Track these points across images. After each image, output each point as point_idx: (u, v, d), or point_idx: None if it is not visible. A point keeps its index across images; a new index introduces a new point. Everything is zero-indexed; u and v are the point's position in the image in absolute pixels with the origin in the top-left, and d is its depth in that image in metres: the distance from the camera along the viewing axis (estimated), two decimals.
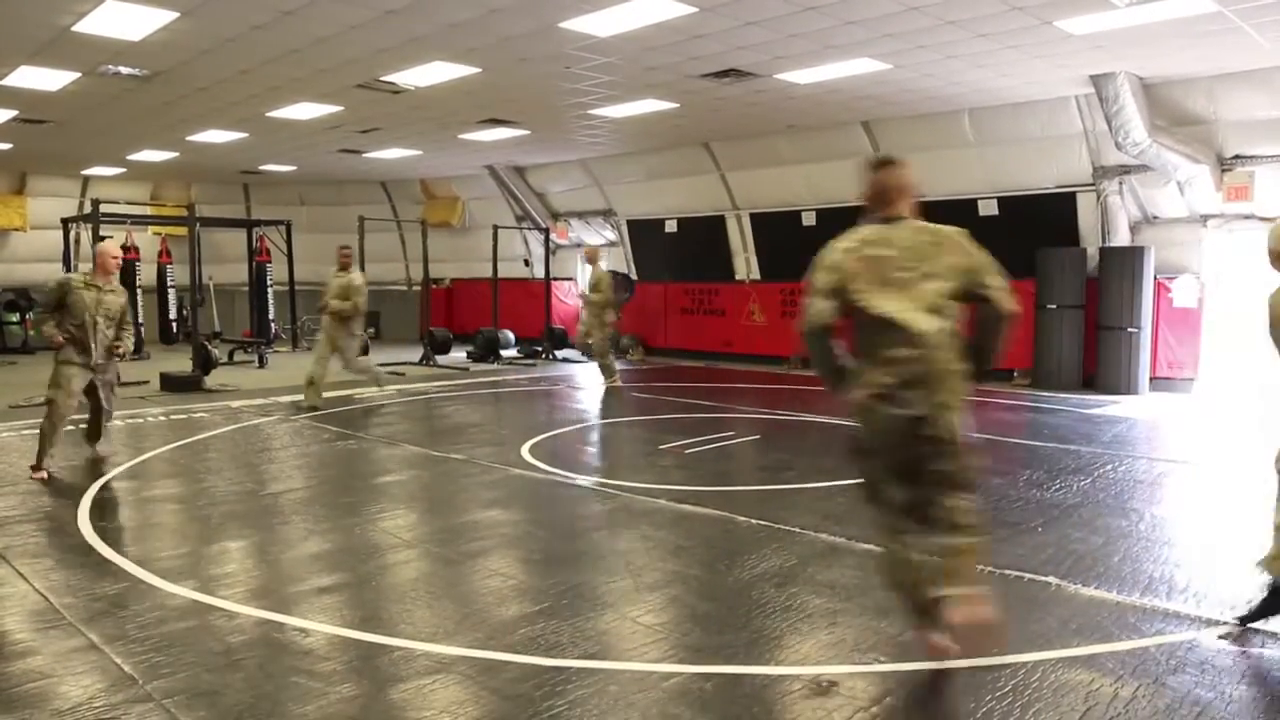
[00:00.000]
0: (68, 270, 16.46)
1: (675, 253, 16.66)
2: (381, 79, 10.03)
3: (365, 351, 14.45)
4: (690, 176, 15.44)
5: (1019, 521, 5.41)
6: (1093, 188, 11.48)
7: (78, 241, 16.05)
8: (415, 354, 15.48)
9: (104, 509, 5.69)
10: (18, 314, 17.42)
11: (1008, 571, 4.46)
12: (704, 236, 15.91)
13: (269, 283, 18.05)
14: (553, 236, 17.96)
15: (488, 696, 3.14)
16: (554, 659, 3.43)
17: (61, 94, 10.56)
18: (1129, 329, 11.14)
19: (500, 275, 16.81)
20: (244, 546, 4.99)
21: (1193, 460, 7.42)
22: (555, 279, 17.84)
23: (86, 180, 18.45)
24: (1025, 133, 11.57)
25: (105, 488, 6.23)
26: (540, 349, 16.53)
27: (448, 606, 4.06)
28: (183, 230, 15.66)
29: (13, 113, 11.82)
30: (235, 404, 10.27)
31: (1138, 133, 9.85)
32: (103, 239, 13.27)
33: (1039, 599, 4.11)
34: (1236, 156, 10.33)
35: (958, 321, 3.19)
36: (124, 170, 17.45)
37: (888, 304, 3.13)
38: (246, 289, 18.51)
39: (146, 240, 18.19)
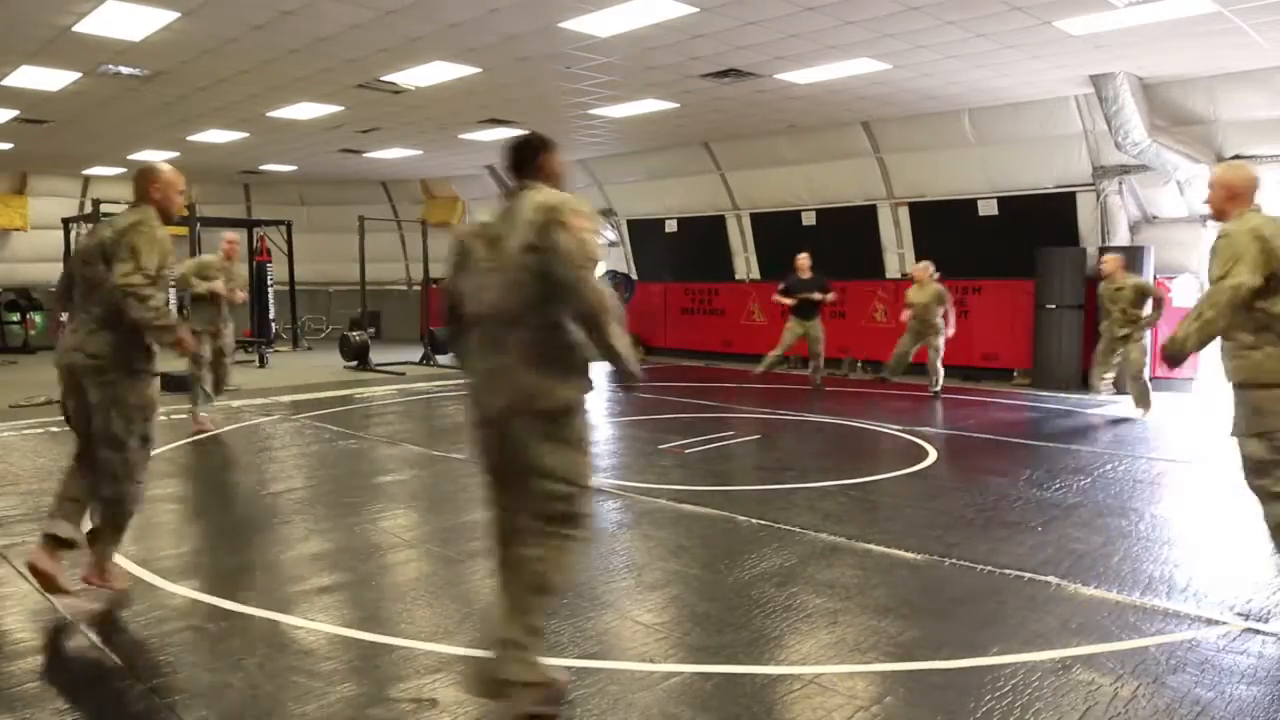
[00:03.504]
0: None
1: (675, 253, 16.68)
2: (381, 79, 10.04)
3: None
4: (690, 176, 15.45)
5: (1019, 521, 5.41)
6: (1092, 187, 11.48)
7: (78, 241, 16.06)
8: (415, 354, 15.48)
9: None
10: (19, 314, 17.43)
11: (1007, 571, 4.46)
12: (704, 236, 15.92)
13: (269, 282, 18.05)
14: None
15: None
16: (554, 658, 3.42)
17: (62, 94, 10.58)
18: None
19: None
20: (244, 546, 4.99)
21: (1193, 460, 7.42)
22: None
23: (87, 180, 18.47)
24: (1025, 133, 11.58)
25: None
26: None
27: (448, 606, 4.06)
28: (183, 230, 15.65)
29: (13, 113, 11.83)
30: (236, 404, 10.27)
31: (1137, 133, 9.85)
32: None
33: (1039, 599, 4.11)
34: (1236, 156, 10.33)
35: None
36: (125, 170, 17.45)
37: None
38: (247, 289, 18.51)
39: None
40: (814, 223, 14.42)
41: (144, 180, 3.98)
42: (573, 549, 2.90)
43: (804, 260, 11.53)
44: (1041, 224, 11.99)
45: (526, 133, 3.04)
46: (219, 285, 8.39)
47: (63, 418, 4.08)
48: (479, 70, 9.66)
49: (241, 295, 8.87)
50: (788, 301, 11.44)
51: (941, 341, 10.75)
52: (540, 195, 2.80)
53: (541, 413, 2.78)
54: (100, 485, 3.92)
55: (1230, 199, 3.80)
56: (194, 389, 8.43)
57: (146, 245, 3.77)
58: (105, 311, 3.83)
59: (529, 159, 2.94)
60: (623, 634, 3.73)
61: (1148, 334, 9.35)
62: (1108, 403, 10.29)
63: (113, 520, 3.95)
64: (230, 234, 8.99)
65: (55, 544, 3.88)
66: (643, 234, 17.16)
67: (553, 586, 2.87)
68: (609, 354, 2.80)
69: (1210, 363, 11.07)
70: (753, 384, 12.23)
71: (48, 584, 3.89)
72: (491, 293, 2.79)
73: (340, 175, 18.82)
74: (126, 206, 4.04)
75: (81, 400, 3.91)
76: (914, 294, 10.83)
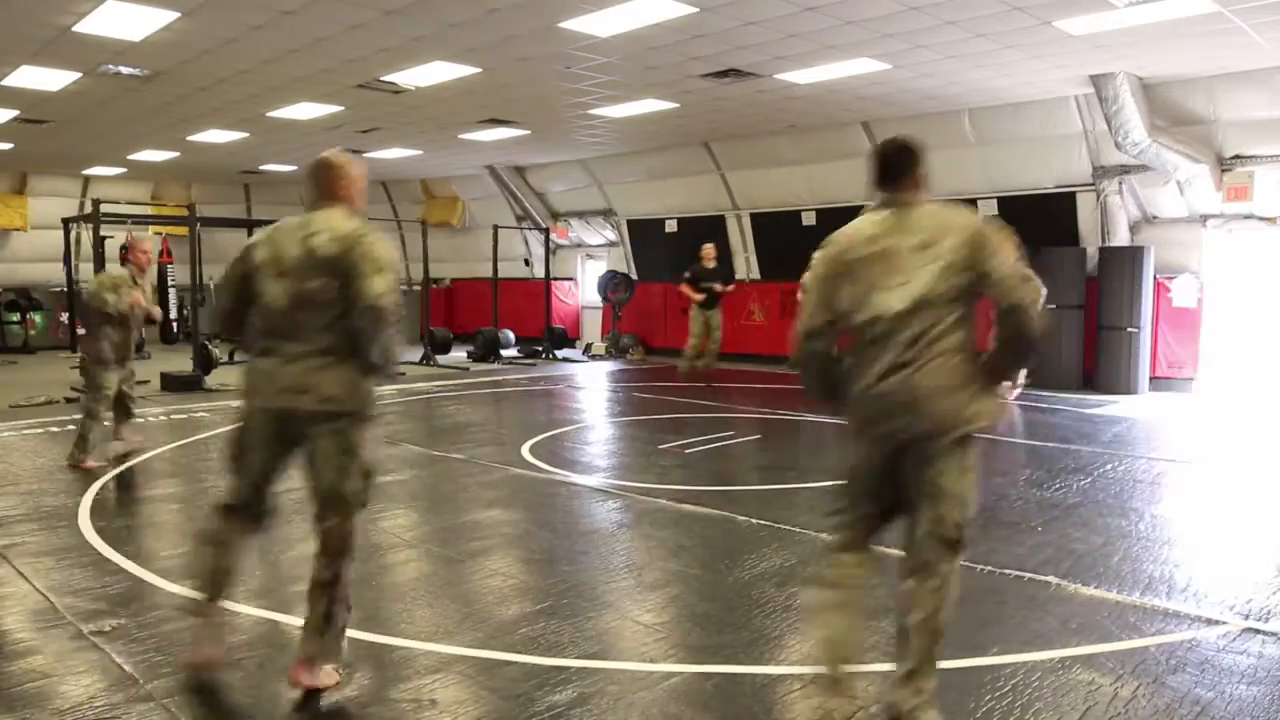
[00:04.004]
0: (68, 270, 16.48)
1: (675, 253, 16.67)
2: (382, 79, 10.03)
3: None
4: (690, 176, 15.44)
5: (1019, 521, 5.41)
6: (1092, 187, 11.48)
7: (78, 241, 16.05)
8: (415, 354, 15.48)
9: (104, 508, 5.69)
10: (18, 314, 17.43)
11: (1008, 571, 4.46)
12: (704, 236, 15.88)
13: None
14: (553, 236, 17.97)
15: (488, 696, 3.14)
16: (554, 658, 3.43)
17: (62, 94, 10.57)
18: (1129, 329, 11.15)
19: (500, 275, 16.81)
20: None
21: (1193, 460, 7.42)
22: (555, 279, 17.84)
23: (87, 180, 18.46)
24: (1025, 133, 11.57)
25: (105, 487, 6.24)
26: (540, 349, 16.54)
27: (448, 606, 4.06)
28: (183, 230, 15.65)
29: (13, 113, 11.82)
30: (236, 403, 10.26)
31: (1137, 133, 9.85)
32: (104, 239, 13.33)
33: (1039, 599, 4.11)
34: (1236, 156, 10.33)
35: None
36: (125, 170, 17.46)
37: None
38: None
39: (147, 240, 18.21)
40: (814, 223, 14.40)
41: (331, 176, 3.23)
42: (958, 579, 2.81)
43: (709, 250, 12.54)
44: (1041, 224, 11.96)
45: (900, 138, 2.98)
46: (140, 298, 6.91)
47: (234, 466, 3.32)
48: (479, 70, 9.66)
49: (158, 311, 7.52)
50: (698, 297, 12.17)
51: None
52: (948, 212, 2.81)
53: (961, 436, 2.72)
54: (320, 562, 3.15)
55: None
56: (87, 426, 6.85)
57: (390, 256, 3.08)
58: (338, 340, 3.05)
59: (907, 167, 2.90)
60: (623, 634, 3.73)
61: None
62: (1107, 402, 10.29)
63: (329, 609, 3.13)
64: (142, 239, 7.35)
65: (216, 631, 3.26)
66: (643, 234, 17.15)
67: (947, 616, 2.77)
68: (1015, 371, 2.85)
69: (1210, 364, 11.08)
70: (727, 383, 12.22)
71: (210, 666, 3.26)
72: (901, 306, 2.70)
73: None
74: (314, 209, 3.21)
75: (285, 453, 3.22)
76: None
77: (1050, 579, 4.34)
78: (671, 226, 16.50)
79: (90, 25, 7.88)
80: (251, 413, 3.24)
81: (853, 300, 2.79)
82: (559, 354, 16.53)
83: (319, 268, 3.04)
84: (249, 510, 3.34)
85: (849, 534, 2.91)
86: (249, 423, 3.25)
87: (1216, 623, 3.81)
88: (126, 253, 7.23)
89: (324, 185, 3.23)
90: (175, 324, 18.45)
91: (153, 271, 17.59)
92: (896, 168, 2.90)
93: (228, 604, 3.98)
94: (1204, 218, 10.98)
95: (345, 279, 3.01)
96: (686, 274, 12.40)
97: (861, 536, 2.90)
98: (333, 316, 3.05)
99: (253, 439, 3.24)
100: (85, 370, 7.07)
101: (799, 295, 2.97)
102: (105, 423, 6.96)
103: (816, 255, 2.95)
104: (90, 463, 6.80)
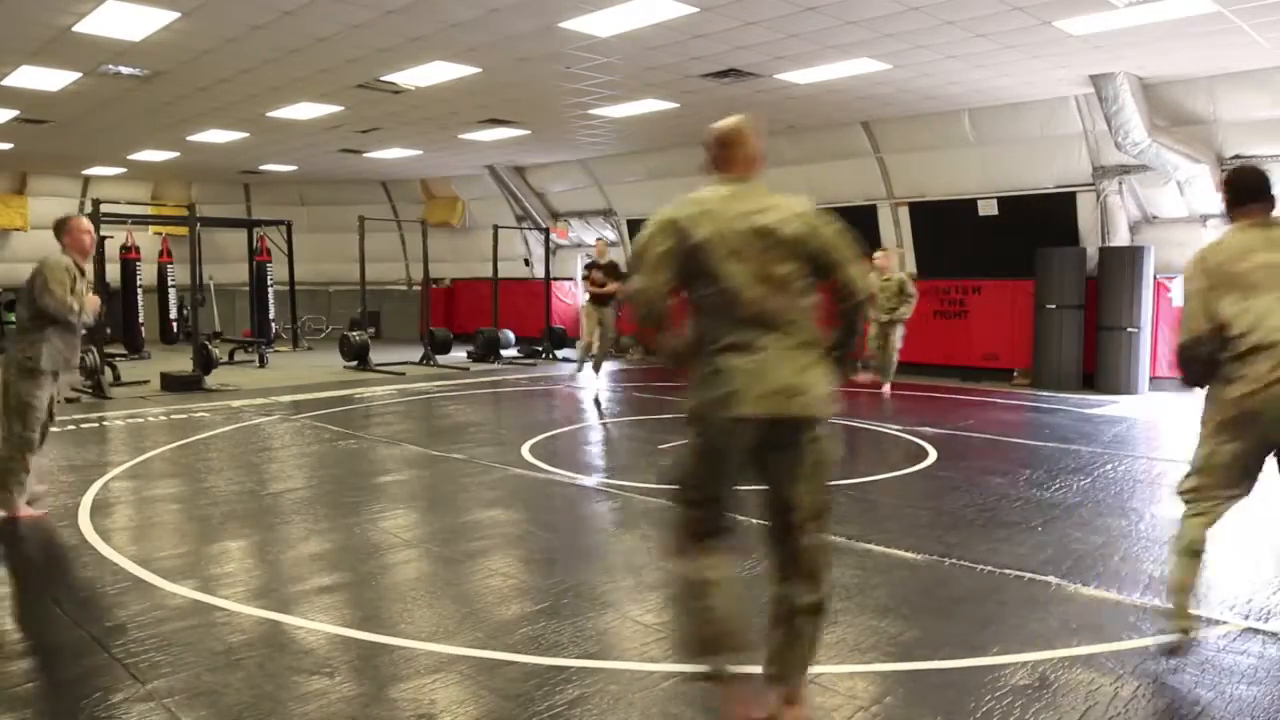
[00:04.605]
0: None
1: None
2: (382, 79, 10.04)
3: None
4: (690, 176, 15.17)
5: (1019, 521, 5.41)
6: (1092, 187, 11.49)
7: None
8: (415, 354, 15.48)
9: (104, 509, 5.69)
10: None
11: (1008, 571, 4.46)
12: None
13: (269, 282, 18.08)
14: (553, 236, 17.97)
15: (488, 696, 3.14)
16: (554, 658, 3.43)
17: (62, 94, 10.58)
18: (1129, 329, 11.15)
19: (500, 275, 16.81)
20: (244, 546, 4.99)
21: None
22: (555, 279, 17.84)
23: (87, 180, 18.47)
24: (1025, 133, 11.57)
25: (105, 488, 6.24)
26: (540, 349, 16.53)
27: (448, 606, 4.06)
28: (183, 230, 15.66)
29: (13, 113, 11.83)
30: (236, 404, 10.27)
31: (1137, 133, 9.85)
32: (104, 239, 13.33)
33: (1039, 599, 4.11)
34: (1236, 156, 10.33)
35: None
36: (125, 170, 17.47)
37: None
38: (247, 289, 18.54)
39: (147, 240, 18.23)
40: None
41: (756, 145, 2.93)
42: None
43: (600, 244, 12.98)
44: (1041, 224, 11.99)
45: (1254, 165, 3.41)
46: (95, 300, 5.66)
47: (695, 496, 2.93)
48: (479, 70, 9.66)
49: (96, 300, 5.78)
50: (610, 287, 12.12)
51: None
52: None
53: None
54: (805, 586, 2.78)
55: None
56: (13, 461, 5.33)
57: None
58: (817, 331, 2.73)
59: (1268, 189, 3.28)
60: (623, 634, 3.73)
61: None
62: (1107, 402, 10.29)
63: (816, 635, 2.79)
64: (80, 218, 5.84)
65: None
66: None
67: None
68: None
69: None
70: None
71: None
72: None
73: (340, 175, 18.82)
74: (738, 181, 2.93)
75: (746, 470, 2.80)
76: None
77: (1050, 579, 4.34)
78: None
79: (90, 25, 7.88)
80: (724, 425, 2.69)
81: (1238, 308, 3.16)
82: (559, 354, 16.52)
83: (785, 249, 2.66)
84: (725, 533, 2.84)
85: (1216, 506, 3.51)
86: (718, 439, 2.74)
87: (1216, 623, 3.81)
88: (62, 236, 5.63)
89: (752, 154, 2.92)
90: (175, 324, 18.47)
91: (159, 272, 17.55)
92: (1262, 191, 3.28)
93: (232, 606, 4.00)
94: (1204, 218, 10.97)
95: (817, 263, 2.70)
96: (588, 273, 12.65)
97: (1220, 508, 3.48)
98: (809, 304, 2.70)
99: (722, 458, 2.78)
100: (7, 384, 5.34)
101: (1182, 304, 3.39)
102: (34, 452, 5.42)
103: (1192, 268, 3.33)
104: (24, 509, 5.37)
